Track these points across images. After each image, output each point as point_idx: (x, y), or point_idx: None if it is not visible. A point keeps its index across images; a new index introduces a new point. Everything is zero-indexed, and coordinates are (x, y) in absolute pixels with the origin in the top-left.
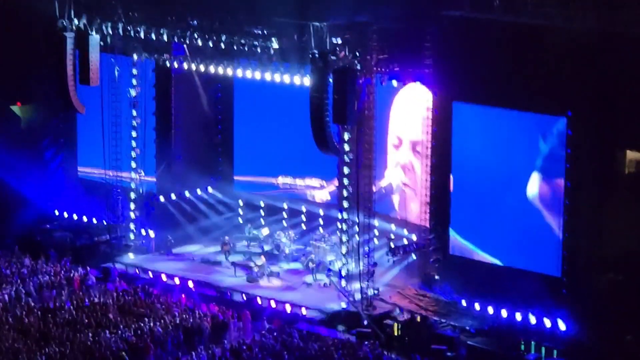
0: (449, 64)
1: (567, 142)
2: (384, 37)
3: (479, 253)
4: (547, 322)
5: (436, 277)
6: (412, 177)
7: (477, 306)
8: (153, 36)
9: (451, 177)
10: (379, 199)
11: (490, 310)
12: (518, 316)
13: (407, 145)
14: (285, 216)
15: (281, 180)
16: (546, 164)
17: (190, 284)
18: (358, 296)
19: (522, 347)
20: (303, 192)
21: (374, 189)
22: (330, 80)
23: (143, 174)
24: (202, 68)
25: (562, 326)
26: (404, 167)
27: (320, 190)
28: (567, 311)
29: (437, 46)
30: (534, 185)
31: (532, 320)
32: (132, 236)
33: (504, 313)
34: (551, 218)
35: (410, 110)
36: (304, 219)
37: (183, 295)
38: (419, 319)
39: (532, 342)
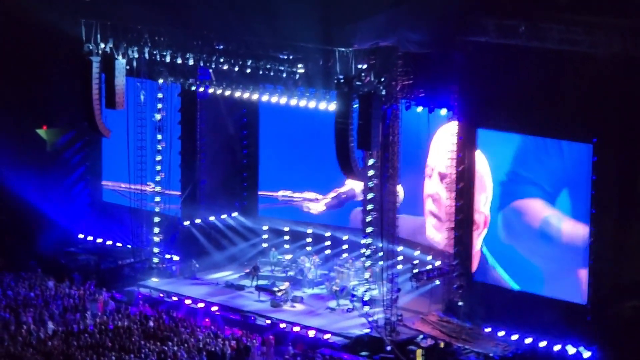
0: (474, 90)
1: (593, 168)
2: (409, 63)
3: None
4: (571, 350)
5: (460, 303)
6: (439, 207)
7: (501, 333)
8: (179, 60)
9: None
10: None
11: (515, 337)
12: (542, 343)
13: (436, 176)
14: (310, 241)
15: (281, 193)
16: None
17: (214, 308)
18: (381, 322)
19: None
20: (300, 204)
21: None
22: (355, 105)
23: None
24: (227, 92)
25: (585, 354)
26: (432, 197)
27: (316, 203)
28: (591, 339)
29: (462, 72)
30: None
31: (556, 347)
32: (156, 260)
33: (527, 340)
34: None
35: (442, 142)
36: (328, 244)
37: (207, 319)
38: (442, 345)
39: None
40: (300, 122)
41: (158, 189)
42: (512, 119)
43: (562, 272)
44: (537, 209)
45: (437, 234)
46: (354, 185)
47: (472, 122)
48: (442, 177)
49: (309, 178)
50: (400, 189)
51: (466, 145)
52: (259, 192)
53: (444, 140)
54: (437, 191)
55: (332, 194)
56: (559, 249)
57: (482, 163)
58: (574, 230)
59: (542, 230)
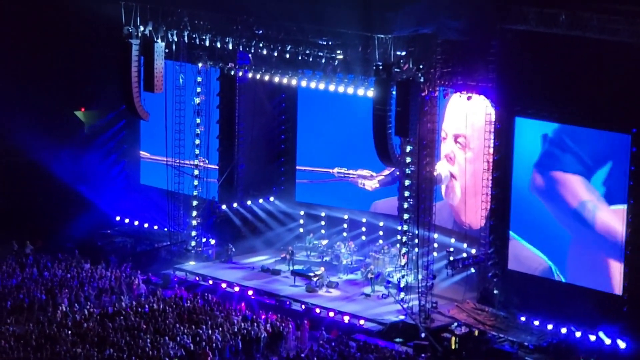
0: (512, 78)
1: (632, 159)
2: (447, 50)
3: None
4: (607, 340)
5: (495, 291)
6: (455, 167)
7: (536, 322)
8: (218, 44)
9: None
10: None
11: (550, 326)
12: (577, 333)
13: (451, 137)
14: (346, 227)
15: (337, 170)
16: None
17: (250, 292)
18: (416, 308)
19: None
20: (355, 180)
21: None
22: (394, 92)
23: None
24: (266, 77)
25: (621, 344)
26: (447, 157)
27: (370, 180)
28: (627, 330)
29: (501, 60)
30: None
31: (592, 337)
32: (193, 243)
33: (563, 330)
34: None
35: (454, 105)
36: (364, 230)
37: (242, 304)
38: (476, 333)
39: None
40: (338, 108)
41: (196, 172)
42: (550, 108)
43: (591, 258)
44: (577, 188)
45: (455, 189)
46: (441, 170)
47: (509, 110)
48: (456, 137)
49: (345, 163)
50: (444, 167)
51: (503, 134)
52: (310, 168)
53: (454, 103)
54: (452, 150)
55: (386, 172)
56: (591, 235)
57: None
58: (609, 220)
59: (578, 212)
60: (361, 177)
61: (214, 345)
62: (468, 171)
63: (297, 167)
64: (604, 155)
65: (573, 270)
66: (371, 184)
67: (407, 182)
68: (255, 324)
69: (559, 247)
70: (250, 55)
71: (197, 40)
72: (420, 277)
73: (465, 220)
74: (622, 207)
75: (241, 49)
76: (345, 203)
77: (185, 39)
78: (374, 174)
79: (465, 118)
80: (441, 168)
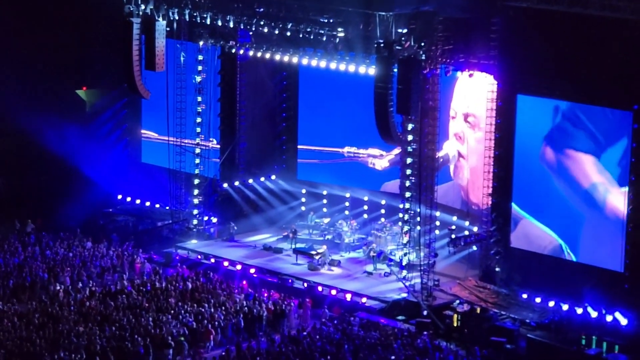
0: (514, 55)
1: (633, 135)
2: (449, 28)
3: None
4: (609, 317)
5: (497, 269)
6: (464, 145)
7: (537, 299)
8: (219, 22)
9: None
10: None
11: (551, 303)
12: (579, 310)
13: (461, 116)
14: (348, 205)
15: (347, 149)
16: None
17: (252, 270)
18: (418, 286)
19: (583, 341)
20: (365, 160)
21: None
22: (395, 70)
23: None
24: (267, 56)
25: (623, 321)
26: (456, 136)
27: (380, 159)
28: (629, 306)
29: (503, 37)
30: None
31: (593, 314)
32: (194, 222)
33: (564, 307)
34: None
35: (464, 85)
36: (366, 209)
37: (244, 282)
38: (478, 310)
39: (593, 337)
40: (340, 86)
41: (197, 150)
42: (552, 85)
43: (602, 239)
44: (588, 168)
45: (464, 168)
46: (449, 150)
47: (512, 87)
48: (466, 116)
49: (346, 141)
50: (452, 147)
51: (505, 111)
52: (320, 148)
53: (464, 82)
54: (462, 129)
55: (396, 151)
56: (601, 217)
57: None
58: (618, 203)
59: (589, 193)
60: (371, 157)
61: (217, 323)
62: (478, 150)
63: (305, 147)
64: (618, 133)
65: (585, 250)
66: (381, 163)
67: (408, 160)
68: (258, 302)
69: (571, 226)
70: (251, 33)
71: (198, 19)
72: (422, 255)
73: (474, 200)
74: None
75: (242, 27)
76: (350, 182)
77: (187, 17)
78: (384, 153)
79: (475, 97)
80: (449, 147)
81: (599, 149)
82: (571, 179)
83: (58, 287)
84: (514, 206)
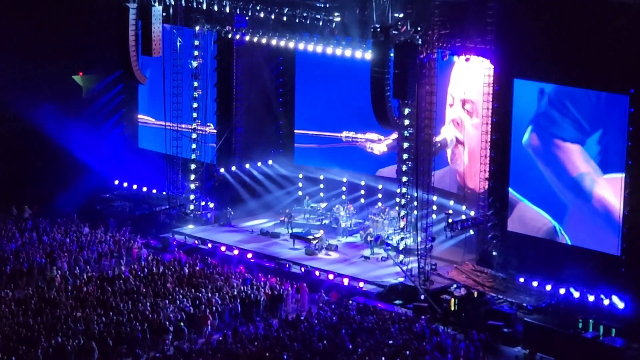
0: (510, 39)
1: (630, 120)
2: (445, 12)
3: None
4: (605, 301)
5: (494, 253)
6: (461, 131)
7: (534, 283)
8: (215, 7)
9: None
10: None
11: (548, 287)
12: (576, 294)
13: (458, 103)
14: (345, 190)
15: (344, 134)
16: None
17: (249, 255)
18: (415, 271)
19: (580, 325)
20: (363, 145)
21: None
22: (392, 55)
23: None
24: (264, 40)
25: (620, 305)
26: (454, 122)
27: (379, 144)
28: (625, 290)
29: (499, 21)
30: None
31: (590, 298)
32: (191, 207)
33: (561, 291)
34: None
35: (461, 71)
36: (363, 193)
37: (241, 267)
38: (475, 294)
39: (590, 320)
40: (337, 71)
41: (194, 135)
42: (549, 69)
43: (587, 224)
44: (575, 159)
45: (462, 155)
46: (446, 135)
47: (508, 72)
48: (463, 102)
49: (344, 125)
50: (450, 132)
51: (502, 95)
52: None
53: (461, 68)
54: (459, 116)
55: (395, 136)
56: (588, 206)
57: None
58: (606, 193)
59: (577, 182)
60: (369, 141)
61: (214, 308)
62: (475, 136)
63: (303, 132)
64: (600, 120)
65: (579, 232)
66: (380, 148)
67: (405, 145)
68: (255, 287)
69: (561, 208)
70: (247, 18)
71: (194, 4)
72: (419, 239)
73: (471, 186)
74: (618, 176)
75: (238, 12)
76: (348, 166)
77: (183, 2)
78: (383, 137)
79: (472, 83)
80: (446, 132)
81: (585, 137)
82: (559, 167)
83: (55, 273)
84: (511, 190)
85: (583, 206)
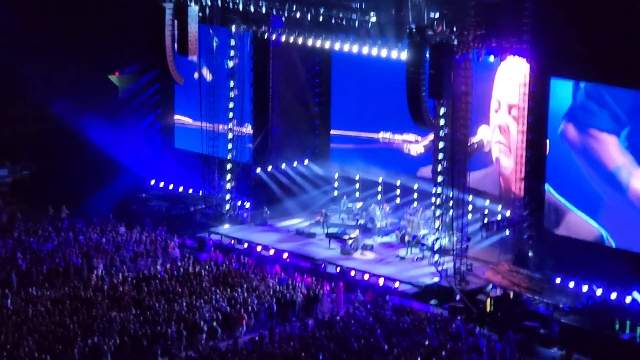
0: (546, 38)
1: None
2: (481, 12)
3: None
4: None
5: (530, 253)
6: (507, 137)
7: (571, 284)
8: (252, 8)
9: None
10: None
11: (585, 288)
12: (613, 295)
13: (505, 108)
14: (380, 190)
15: (381, 135)
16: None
17: (285, 255)
18: (451, 271)
19: (617, 326)
20: (400, 145)
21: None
22: (427, 55)
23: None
24: (300, 41)
25: None
26: (500, 128)
27: (415, 145)
28: None
29: (535, 20)
30: None
31: (627, 299)
32: (227, 207)
33: (598, 291)
34: None
35: (509, 75)
36: (398, 193)
37: (277, 266)
38: (511, 295)
39: (627, 322)
40: (372, 71)
41: (230, 135)
42: (585, 68)
43: (625, 221)
44: (612, 151)
45: (508, 161)
46: (483, 136)
47: (544, 71)
48: (510, 108)
49: (381, 126)
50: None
51: (539, 95)
52: (355, 133)
53: (508, 72)
54: (506, 122)
55: (431, 136)
56: (625, 201)
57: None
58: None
59: (614, 175)
60: (406, 142)
61: (250, 308)
62: (521, 142)
63: (339, 132)
64: (637, 112)
65: (624, 235)
66: (416, 149)
67: (441, 145)
68: (291, 287)
69: (597, 201)
70: (283, 18)
71: (231, 4)
72: (454, 239)
73: (515, 191)
74: None
75: (274, 12)
76: (384, 167)
77: (219, 2)
78: (419, 138)
79: (519, 87)
80: (483, 133)
81: (620, 128)
82: (595, 160)
83: (92, 273)
84: (551, 190)
85: (619, 199)
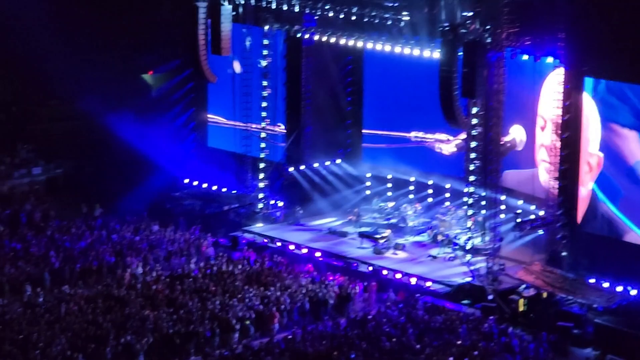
0: (580, 37)
1: None
2: (514, 10)
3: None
4: None
5: (563, 253)
6: (554, 158)
7: (605, 284)
8: (285, 7)
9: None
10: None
11: (619, 288)
12: None
13: (550, 126)
14: (412, 189)
15: (413, 134)
16: None
17: (318, 254)
18: (483, 270)
19: None
20: (432, 145)
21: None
22: (460, 53)
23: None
24: (332, 40)
25: None
26: (546, 147)
27: (447, 144)
28: None
29: (569, 19)
30: None
31: None
32: (260, 206)
33: (633, 292)
34: None
35: (555, 92)
36: (431, 192)
37: (310, 265)
38: (545, 295)
39: None
40: (405, 70)
41: (263, 135)
42: (620, 68)
43: None
44: (632, 146)
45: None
46: (515, 135)
47: (579, 70)
48: (557, 127)
49: (413, 125)
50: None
51: (573, 94)
52: (387, 132)
53: (553, 89)
54: (552, 142)
55: (463, 136)
56: None
57: (589, 105)
58: None
59: (633, 170)
60: (438, 141)
61: (282, 307)
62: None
63: (371, 131)
64: None
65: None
66: (448, 148)
67: (473, 144)
68: (323, 286)
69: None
70: (316, 17)
71: (264, 3)
72: (487, 239)
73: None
74: None
75: (307, 12)
76: (417, 166)
77: (252, 1)
78: (451, 137)
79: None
80: (516, 132)
81: None
82: (615, 155)
83: (125, 271)
84: (597, 191)
85: (638, 194)
